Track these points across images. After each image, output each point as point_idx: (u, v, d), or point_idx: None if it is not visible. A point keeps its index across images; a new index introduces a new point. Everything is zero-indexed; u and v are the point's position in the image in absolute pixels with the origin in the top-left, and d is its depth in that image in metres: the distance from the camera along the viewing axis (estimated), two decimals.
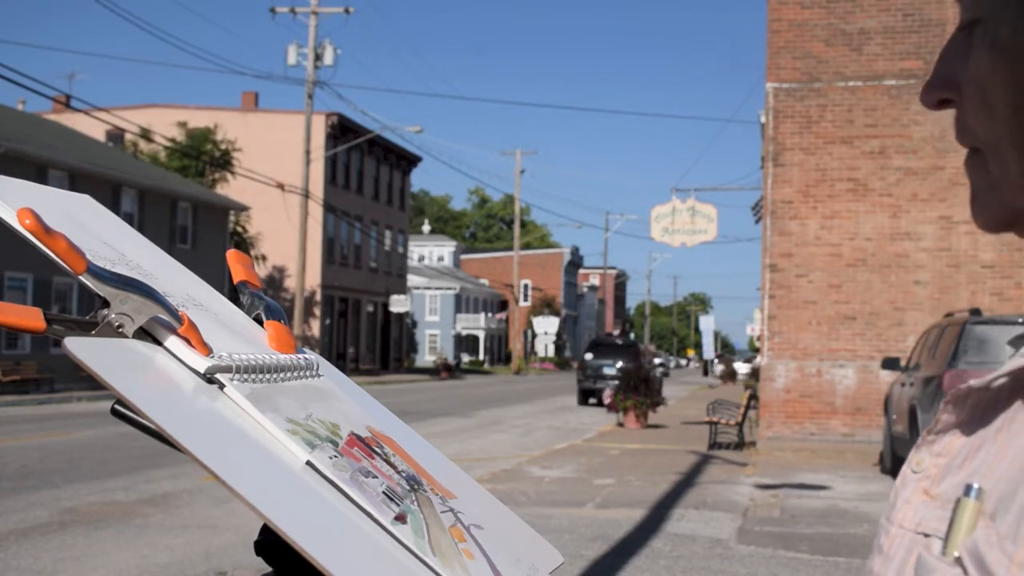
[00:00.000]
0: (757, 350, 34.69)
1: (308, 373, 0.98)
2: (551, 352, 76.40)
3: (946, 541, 0.61)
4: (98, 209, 1.02)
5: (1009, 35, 0.66)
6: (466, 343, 75.09)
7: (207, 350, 0.85)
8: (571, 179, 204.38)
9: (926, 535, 0.64)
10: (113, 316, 0.80)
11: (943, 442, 0.67)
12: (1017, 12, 0.65)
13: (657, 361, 50.57)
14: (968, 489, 0.60)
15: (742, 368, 57.78)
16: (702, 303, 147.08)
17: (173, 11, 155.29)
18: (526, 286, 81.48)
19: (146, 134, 34.73)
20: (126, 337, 0.80)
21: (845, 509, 10.32)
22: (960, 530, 0.60)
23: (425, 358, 68.72)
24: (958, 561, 0.59)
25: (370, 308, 53.32)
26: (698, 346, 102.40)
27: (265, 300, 1.02)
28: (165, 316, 0.82)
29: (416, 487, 0.92)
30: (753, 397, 18.09)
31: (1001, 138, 0.66)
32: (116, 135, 42.32)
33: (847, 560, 7.80)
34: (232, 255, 1.05)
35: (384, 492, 0.86)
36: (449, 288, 71.29)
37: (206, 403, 0.81)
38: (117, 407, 0.79)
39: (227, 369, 0.85)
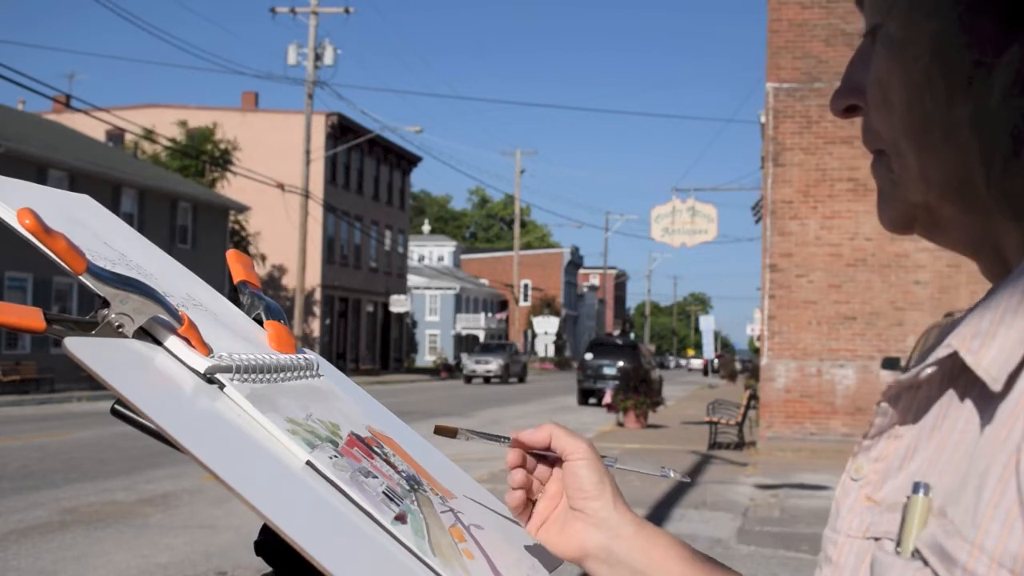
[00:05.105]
0: (757, 350, 34.71)
1: (308, 373, 0.98)
2: (551, 352, 76.38)
3: (900, 539, 0.60)
4: (98, 209, 1.02)
5: (898, 31, 0.68)
6: (466, 343, 75.07)
7: (207, 350, 0.85)
8: (571, 179, 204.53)
9: (876, 539, 0.63)
10: (113, 316, 0.80)
11: (880, 447, 0.67)
12: (905, 7, 0.67)
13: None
14: (916, 487, 0.60)
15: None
16: (702, 303, 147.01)
17: (173, 11, 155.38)
18: (526, 286, 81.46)
19: (148, 135, 34.75)
20: (126, 337, 0.80)
21: None
22: (913, 527, 0.59)
23: (425, 358, 68.68)
24: (915, 555, 0.59)
25: (370, 308, 53.31)
26: (698, 346, 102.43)
27: (265, 300, 1.02)
28: (165, 316, 0.82)
29: (416, 487, 0.92)
30: (753, 397, 18.09)
31: (899, 135, 0.68)
32: (116, 135, 42.32)
33: None
34: (232, 255, 1.05)
35: (384, 492, 0.86)
36: (449, 288, 71.26)
37: (206, 403, 0.81)
38: (117, 407, 0.79)
39: (227, 369, 0.85)
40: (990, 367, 0.58)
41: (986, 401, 0.59)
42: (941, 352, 0.62)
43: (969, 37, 0.64)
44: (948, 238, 0.71)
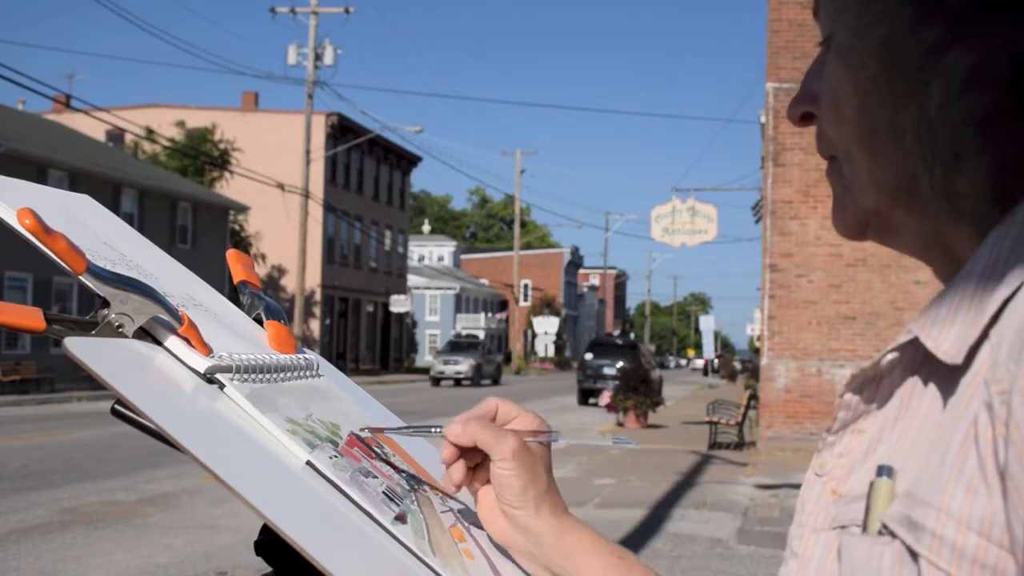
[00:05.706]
0: (757, 350, 34.74)
1: (308, 373, 0.98)
2: (551, 352, 76.35)
3: (865, 522, 0.61)
4: (98, 209, 1.02)
5: (847, 38, 0.69)
6: None
7: (207, 350, 0.85)
8: (571, 179, 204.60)
9: (843, 527, 0.64)
10: (113, 316, 0.80)
11: (844, 442, 0.68)
12: (853, 14, 0.69)
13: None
14: (880, 469, 0.61)
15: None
16: (702, 303, 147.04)
17: (173, 11, 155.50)
18: (526, 286, 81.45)
19: (149, 135, 34.73)
20: (126, 337, 0.80)
21: None
22: (878, 508, 0.60)
23: (425, 358, 68.66)
24: (882, 531, 0.59)
25: (370, 308, 53.31)
26: (698, 346, 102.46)
27: (265, 300, 1.02)
28: (165, 316, 0.82)
29: (416, 487, 0.92)
30: (753, 397, 18.09)
31: (850, 141, 0.70)
32: (116, 135, 42.31)
33: None
34: (232, 255, 1.06)
35: (384, 492, 0.86)
36: (449, 288, 71.26)
37: (206, 403, 0.81)
38: (117, 407, 0.78)
39: (227, 369, 0.84)
40: (949, 349, 0.60)
41: (948, 383, 0.61)
42: (902, 338, 0.64)
43: (913, 42, 0.65)
44: (900, 242, 0.72)
